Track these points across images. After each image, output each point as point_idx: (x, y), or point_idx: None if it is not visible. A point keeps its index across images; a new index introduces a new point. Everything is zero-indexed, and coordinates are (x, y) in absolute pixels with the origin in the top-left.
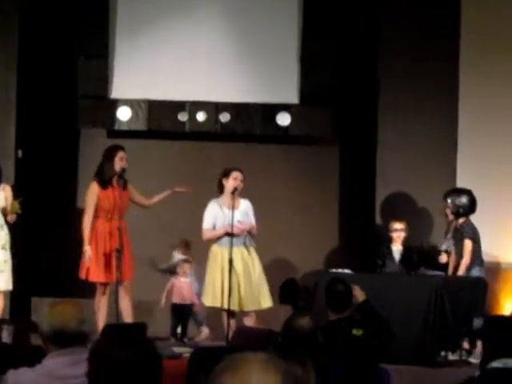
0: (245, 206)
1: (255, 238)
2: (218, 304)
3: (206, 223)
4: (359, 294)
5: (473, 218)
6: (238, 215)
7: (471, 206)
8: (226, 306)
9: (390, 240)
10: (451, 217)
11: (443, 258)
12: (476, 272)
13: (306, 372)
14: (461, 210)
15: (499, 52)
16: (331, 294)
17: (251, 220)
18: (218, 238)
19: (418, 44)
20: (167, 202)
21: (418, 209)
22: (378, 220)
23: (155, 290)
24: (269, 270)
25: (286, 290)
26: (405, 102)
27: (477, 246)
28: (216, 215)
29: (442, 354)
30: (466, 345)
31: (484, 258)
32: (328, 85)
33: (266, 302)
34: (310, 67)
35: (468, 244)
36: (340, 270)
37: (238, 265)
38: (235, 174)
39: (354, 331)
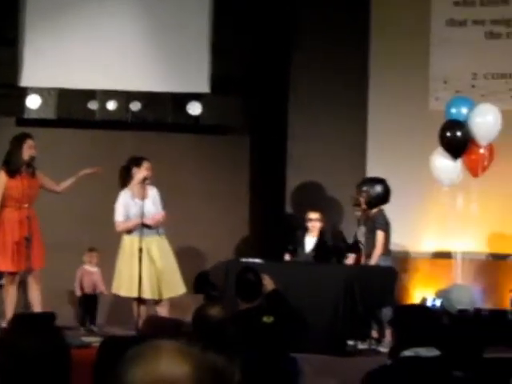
0: (153, 194)
1: (165, 226)
2: (133, 293)
3: (119, 214)
4: (269, 283)
5: (382, 206)
6: (149, 204)
7: (385, 196)
8: (141, 295)
9: (305, 230)
10: (364, 206)
11: (349, 260)
12: (382, 261)
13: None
14: (374, 200)
15: (408, 40)
16: (241, 284)
17: (159, 208)
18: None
19: (329, 35)
20: (78, 190)
21: (329, 197)
22: (289, 209)
23: (65, 278)
24: (180, 258)
25: (199, 281)
26: (315, 92)
27: (387, 237)
28: (128, 205)
29: (352, 342)
30: (375, 334)
31: (393, 248)
32: (239, 74)
33: (182, 288)
34: (221, 56)
35: (380, 235)
36: (250, 260)
37: (156, 253)
38: (147, 165)
39: (265, 318)
